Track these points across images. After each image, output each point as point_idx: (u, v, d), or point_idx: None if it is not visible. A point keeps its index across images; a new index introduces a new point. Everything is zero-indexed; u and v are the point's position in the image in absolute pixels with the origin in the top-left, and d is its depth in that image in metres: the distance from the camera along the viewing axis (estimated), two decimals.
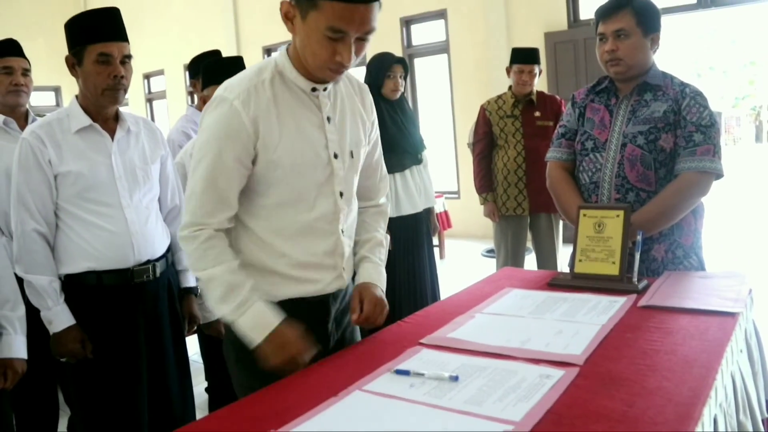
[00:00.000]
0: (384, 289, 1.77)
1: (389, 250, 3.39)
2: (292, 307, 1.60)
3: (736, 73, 29.37)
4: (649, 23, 2.15)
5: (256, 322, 1.52)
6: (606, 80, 2.29)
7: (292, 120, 1.56)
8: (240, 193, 1.58)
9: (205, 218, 1.55)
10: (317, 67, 1.49)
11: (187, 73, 3.75)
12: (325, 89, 1.61)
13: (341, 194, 1.65)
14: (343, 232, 1.68)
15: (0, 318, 1.95)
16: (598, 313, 1.76)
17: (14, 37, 2.86)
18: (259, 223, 1.61)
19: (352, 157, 1.67)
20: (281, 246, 1.60)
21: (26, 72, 2.78)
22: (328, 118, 1.62)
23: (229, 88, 1.54)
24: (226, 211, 1.57)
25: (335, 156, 1.62)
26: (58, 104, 11.94)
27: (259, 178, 1.57)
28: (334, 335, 1.76)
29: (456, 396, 1.27)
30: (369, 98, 1.76)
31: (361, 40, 1.46)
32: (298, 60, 1.54)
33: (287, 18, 1.48)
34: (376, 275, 1.77)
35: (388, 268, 3.45)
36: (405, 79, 3.56)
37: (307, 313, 1.63)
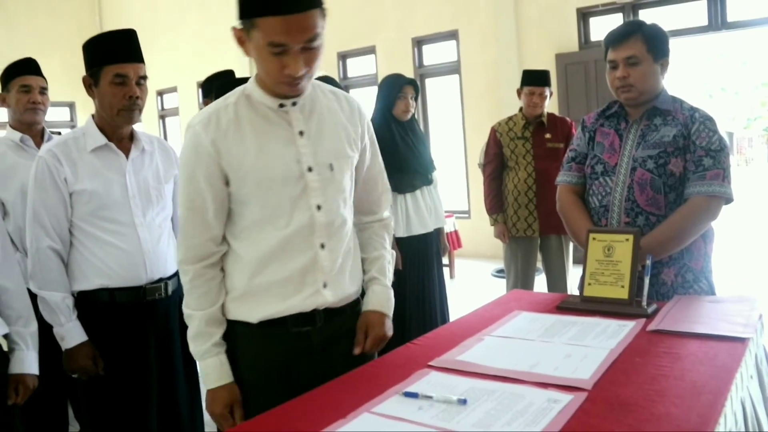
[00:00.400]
0: (391, 314, 1.80)
1: (398, 270, 3.44)
2: (272, 331, 1.65)
3: (748, 94, 29.32)
4: (659, 49, 2.16)
5: (208, 372, 1.64)
6: (616, 105, 2.30)
7: (256, 138, 1.60)
8: (226, 216, 1.65)
9: (190, 251, 1.63)
10: (273, 83, 1.55)
11: (200, 90, 3.79)
12: (294, 104, 1.62)
13: (318, 207, 1.63)
14: (323, 246, 1.65)
15: (13, 334, 1.97)
16: (607, 337, 1.76)
17: (30, 54, 2.92)
18: (243, 244, 1.64)
19: (332, 169, 1.65)
20: (262, 265, 1.63)
21: (43, 90, 2.83)
22: (301, 132, 1.62)
23: (196, 115, 1.63)
24: (209, 232, 1.62)
25: (309, 169, 1.61)
26: (72, 120, 12.07)
27: (233, 197, 1.62)
28: (320, 363, 1.68)
29: (464, 420, 1.28)
30: (358, 112, 1.74)
31: (309, 49, 1.48)
32: (263, 80, 1.60)
33: (240, 43, 1.53)
34: (385, 300, 1.79)
35: (397, 288, 3.47)
36: (416, 100, 3.59)
37: (286, 339, 1.65)
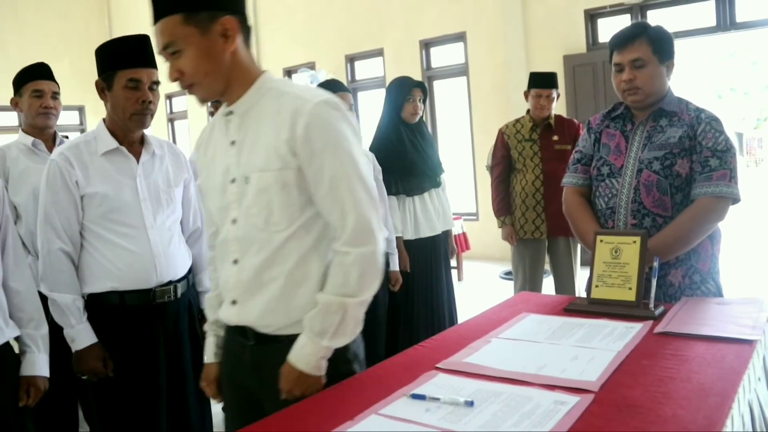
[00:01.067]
0: (312, 370, 1.49)
1: (406, 272, 3.46)
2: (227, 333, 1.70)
3: (757, 94, 29.14)
4: (664, 51, 2.17)
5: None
6: (621, 106, 2.31)
7: (207, 148, 1.65)
8: None
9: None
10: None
11: None
12: (231, 112, 1.56)
13: (234, 221, 1.55)
14: (235, 262, 1.56)
15: (24, 336, 1.99)
16: (614, 339, 1.77)
17: (41, 58, 2.96)
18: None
19: (247, 182, 1.52)
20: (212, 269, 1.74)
21: (55, 95, 2.86)
22: (233, 142, 1.56)
23: None
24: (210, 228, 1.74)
25: (233, 180, 1.54)
26: (81, 123, 12.13)
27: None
28: (254, 384, 1.61)
29: (471, 421, 1.29)
30: (303, 123, 1.46)
31: (171, 55, 1.47)
32: None
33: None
34: (302, 352, 1.49)
35: (405, 290, 3.48)
36: (424, 102, 3.60)
37: (229, 345, 1.69)
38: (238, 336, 1.61)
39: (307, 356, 1.48)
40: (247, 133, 1.54)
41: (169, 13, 1.43)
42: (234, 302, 1.58)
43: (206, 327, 1.76)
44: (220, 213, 1.59)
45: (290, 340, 1.52)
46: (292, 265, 1.51)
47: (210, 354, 1.73)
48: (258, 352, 1.58)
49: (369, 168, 1.57)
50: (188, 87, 1.49)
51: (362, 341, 1.66)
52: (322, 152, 1.46)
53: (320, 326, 1.47)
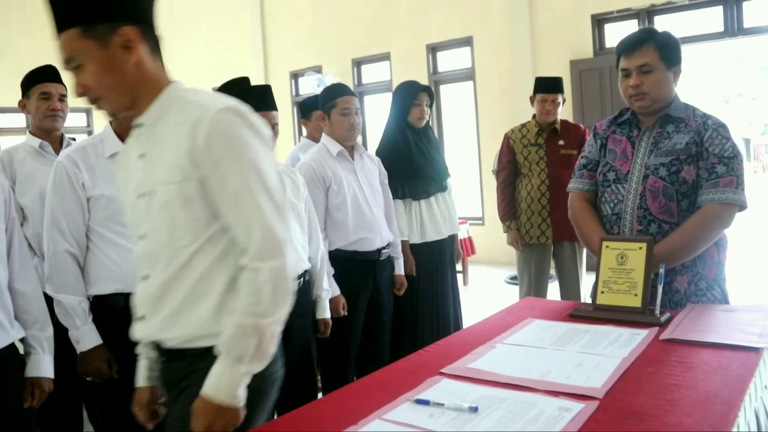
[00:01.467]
0: (228, 400, 1.37)
1: (412, 276, 3.46)
2: None
3: (765, 99, 29.04)
4: (671, 57, 2.16)
5: None
6: (628, 112, 2.30)
7: (124, 162, 1.60)
8: None
9: None
10: None
11: None
12: (140, 125, 1.50)
13: (143, 236, 1.50)
14: (146, 278, 1.51)
15: (29, 338, 2.00)
16: (619, 345, 1.76)
17: (48, 61, 2.95)
18: None
19: (151, 197, 1.45)
20: None
21: (63, 97, 2.87)
22: (142, 155, 1.50)
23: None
24: None
25: (141, 195, 1.48)
26: (88, 125, 12.16)
27: None
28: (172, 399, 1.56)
29: (475, 428, 1.28)
30: (204, 132, 1.38)
31: (75, 70, 1.42)
32: None
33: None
34: (217, 382, 1.37)
35: (410, 294, 3.48)
36: (431, 106, 3.60)
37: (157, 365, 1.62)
38: (157, 354, 1.56)
39: (225, 386, 1.36)
40: (155, 145, 1.47)
41: (68, 26, 1.38)
42: (142, 317, 1.53)
43: (138, 350, 1.64)
44: (133, 229, 1.55)
45: (194, 354, 1.45)
46: (196, 279, 1.44)
47: (141, 378, 1.63)
48: (173, 368, 1.52)
49: (280, 179, 1.48)
50: (94, 101, 1.43)
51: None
52: (224, 162, 1.38)
53: (237, 351, 1.36)
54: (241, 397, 1.37)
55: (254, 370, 1.39)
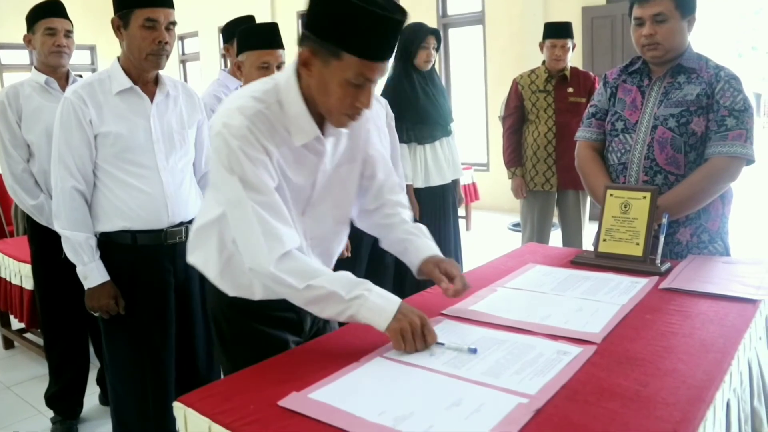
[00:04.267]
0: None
1: (416, 220, 3.44)
2: None
3: None
4: (686, 6, 2.12)
5: None
6: (639, 61, 2.27)
7: None
8: None
9: None
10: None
11: (221, 36, 3.77)
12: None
13: None
14: None
15: None
16: (619, 293, 1.79)
17: None
18: None
19: None
20: None
21: (69, 33, 2.82)
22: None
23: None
24: None
25: None
26: (93, 63, 12.05)
27: None
28: None
29: (474, 367, 1.31)
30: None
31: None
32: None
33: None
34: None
35: None
36: (438, 50, 3.55)
37: None
38: None
39: None
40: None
41: None
42: None
43: None
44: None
45: None
46: None
47: None
48: None
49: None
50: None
51: None
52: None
53: None
54: None
55: None
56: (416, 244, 1.68)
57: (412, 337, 1.38)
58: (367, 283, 1.43)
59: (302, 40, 1.40)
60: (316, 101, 1.44)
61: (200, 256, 1.64)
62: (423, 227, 1.76)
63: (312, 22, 1.37)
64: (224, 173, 1.41)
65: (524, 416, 1.11)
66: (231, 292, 1.60)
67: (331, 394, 1.22)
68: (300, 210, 1.56)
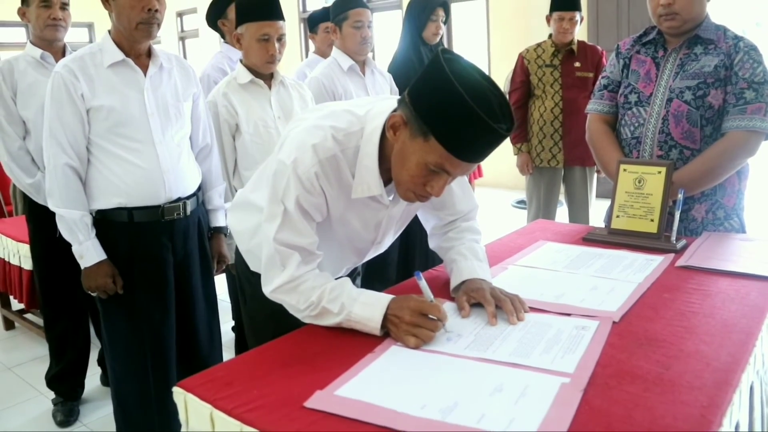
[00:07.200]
0: None
1: None
2: None
3: None
4: None
5: None
6: (654, 31, 2.19)
7: None
8: None
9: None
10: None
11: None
12: None
13: None
14: None
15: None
16: (634, 270, 1.73)
17: None
18: None
19: None
20: None
21: (65, 6, 2.73)
22: None
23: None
24: None
25: None
26: (91, 41, 11.92)
27: None
28: None
29: (499, 348, 1.26)
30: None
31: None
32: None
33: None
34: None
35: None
36: (446, 23, 3.46)
37: None
38: None
39: None
40: None
41: None
42: None
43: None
44: None
45: None
46: None
47: None
48: None
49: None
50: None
51: None
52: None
53: None
54: None
55: None
56: (460, 266, 1.60)
57: (416, 331, 1.31)
58: (348, 292, 1.40)
59: (399, 103, 1.35)
60: (391, 165, 1.39)
61: (237, 225, 1.73)
62: (480, 248, 1.67)
63: (416, 94, 1.30)
64: (275, 196, 1.41)
65: (574, 397, 1.06)
66: (252, 267, 1.68)
67: (359, 390, 1.12)
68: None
